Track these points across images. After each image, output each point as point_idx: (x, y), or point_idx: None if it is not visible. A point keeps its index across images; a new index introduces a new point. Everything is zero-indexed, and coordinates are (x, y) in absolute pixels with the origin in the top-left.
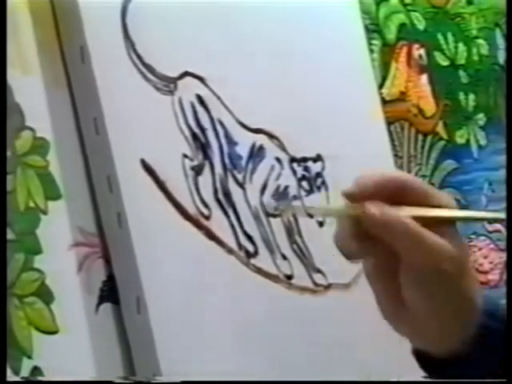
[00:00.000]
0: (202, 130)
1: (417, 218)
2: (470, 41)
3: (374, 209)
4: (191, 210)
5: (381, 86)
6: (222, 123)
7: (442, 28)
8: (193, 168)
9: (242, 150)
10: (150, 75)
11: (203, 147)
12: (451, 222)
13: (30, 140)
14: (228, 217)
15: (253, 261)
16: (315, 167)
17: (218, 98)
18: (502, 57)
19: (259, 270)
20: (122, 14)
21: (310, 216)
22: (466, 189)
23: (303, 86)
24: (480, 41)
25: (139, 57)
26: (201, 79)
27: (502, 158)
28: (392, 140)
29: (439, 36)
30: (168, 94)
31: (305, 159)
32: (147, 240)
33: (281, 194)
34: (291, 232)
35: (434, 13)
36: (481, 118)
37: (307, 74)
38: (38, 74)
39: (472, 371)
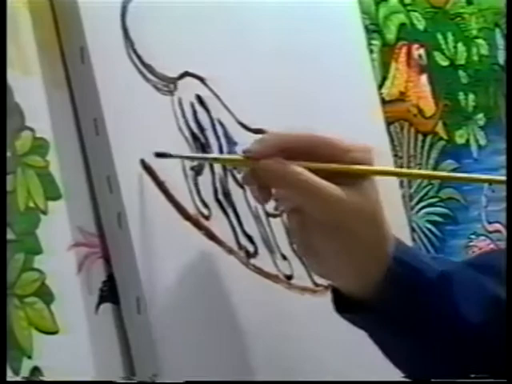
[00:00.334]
0: (202, 130)
1: (317, 172)
2: (470, 41)
3: (267, 162)
4: (191, 210)
5: (380, 86)
6: (221, 123)
7: (441, 28)
8: (192, 168)
9: None
10: (149, 75)
11: (203, 147)
12: (360, 176)
13: (30, 140)
14: (228, 217)
15: (253, 261)
16: None
17: (218, 98)
18: (501, 57)
19: (259, 270)
20: (122, 14)
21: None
22: (466, 189)
23: (303, 85)
24: (480, 41)
25: (139, 57)
26: (201, 79)
27: (502, 158)
28: (392, 140)
29: (439, 36)
30: (168, 94)
31: None
32: (147, 240)
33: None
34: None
35: (434, 13)
36: (480, 118)
37: (307, 73)
38: (37, 75)
39: (382, 316)
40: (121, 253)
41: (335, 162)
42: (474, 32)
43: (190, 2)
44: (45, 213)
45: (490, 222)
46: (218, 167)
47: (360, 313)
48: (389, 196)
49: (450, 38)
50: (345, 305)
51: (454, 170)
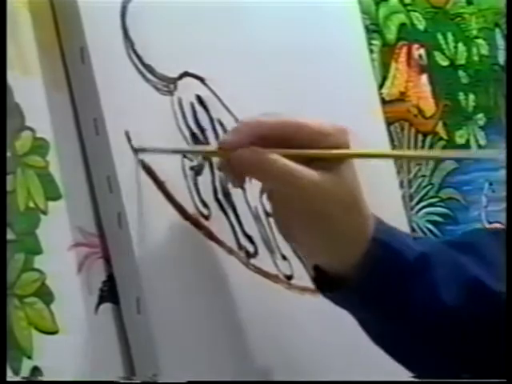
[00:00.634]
0: (202, 130)
1: (293, 158)
2: (470, 41)
3: (241, 153)
4: (191, 210)
5: (381, 86)
6: (221, 123)
7: (441, 28)
8: (192, 168)
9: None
10: (149, 75)
11: None
12: (337, 159)
13: (30, 140)
14: (228, 217)
15: (253, 261)
16: None
17: (218, 98)
18: (502, 57)
19: (259, 270)
20: (122, 14)
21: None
22: (466, 189)
23: (303, 85)
24: (480, 41)
25: (139, 57)
26: (201, 79)
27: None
28: (392, 140)
29: (439, 36)
30: (168, 94)
31: None
32: (147, 240)
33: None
34: None
35: (434, 13)
36: (481, 118)
37: (307, 73)
38: (37, 75)
39: (362, 295)
40: (121, 253)
41: (311, 147)
42: (474, 32)
43: (190, 2)
44: (45, 213)
45: (490, 222)
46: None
47: (339, 290)
48: (389, 196)
49: (450, 38)
50: (326, 283)
51: (454, 170)
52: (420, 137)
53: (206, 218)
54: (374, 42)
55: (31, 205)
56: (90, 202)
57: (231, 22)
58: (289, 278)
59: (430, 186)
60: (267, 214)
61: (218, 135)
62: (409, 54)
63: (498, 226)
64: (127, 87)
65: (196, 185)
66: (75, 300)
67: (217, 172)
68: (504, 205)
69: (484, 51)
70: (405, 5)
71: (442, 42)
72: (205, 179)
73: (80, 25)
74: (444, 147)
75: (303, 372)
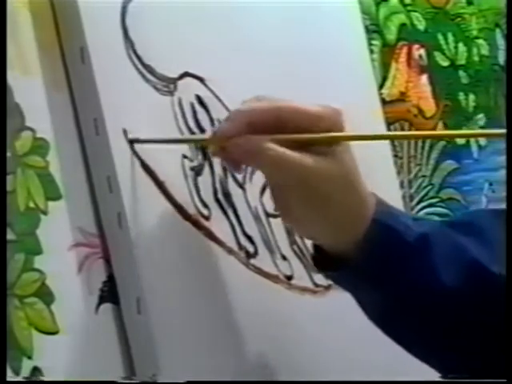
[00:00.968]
0: (202, 130)
1: (289, 143)
2: (470, 41)
3: (235, 141)
4: (191, 210)
5: (381, 87)
6: None
7: (442, 28)
8: (192, 168)
9: None
10: (149, 76)
11: (203, 148)
12: (332, 142)
13: (30, 140)
14: (228, 217)
15: (253, 261)
16: None
17: (218, 98)
18: (502, 57)
19: (259, 271)
20: (122, 14)
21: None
22: (466, 189)
23: (303, 85)
24: (480, 41)
25: (139, 57)
26: (201, 80)
27: (502, 159)
28: (392, 140)
29: (439, 36)
30: (168, 94)
31: None
32: (147, 240)
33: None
34: (291, 232)
35: (434, 13)
36: (481, 118)
37: (307, 74)
38: (37, 75)
39: (361, 275)
40: (121, 253)
41: (306, 131)
42: (475, 32)
43: (190, 2)
44: (45, 213)
45: None
46: (218, 167)
47: (340, 271)
48: (389, 196)
49: (451, 38)
50: (326, 262)
51: (454, 171)
52: None
53: (206, 218)
54: (374, 42)
55: (31, 205)
56: (90, 202)
57: (231, 22)
58: (289, 278)
59: (430, 187)
60: (267, 215)
61: None
62: (409, 54)
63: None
64: (127, 87)
65: (196, 185)
66: (75, 300)
67: (217, 172)
68: (504, 205)
69: (484, 51)
70: (405, 5)
71: (442, 42)
72: (205, 179)
73: (80, 25)
74: (444, 147)
75: (303, 372)
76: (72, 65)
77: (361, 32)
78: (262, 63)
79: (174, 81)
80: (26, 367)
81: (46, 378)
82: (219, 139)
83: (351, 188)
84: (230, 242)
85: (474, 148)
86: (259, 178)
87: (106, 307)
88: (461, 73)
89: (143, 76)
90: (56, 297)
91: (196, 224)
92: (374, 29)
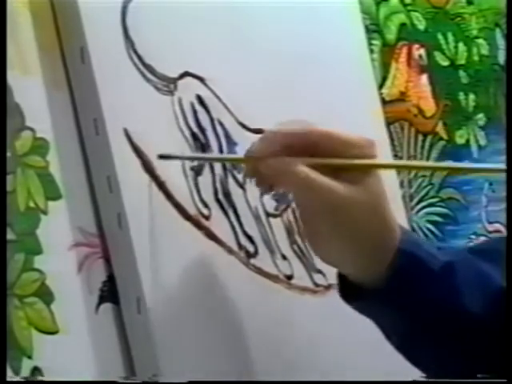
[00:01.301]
0: (202, 130)
1: (320, 167)
2: (470, 41)
3: (268, 162)
4: (191, 210)
5: (381, 86)
6: (221, 123)
7: (442, 28)
8: (193, 168)
9: (242, 151)
10: (150, 75)
11: (203, 147)
12: (363, 170)
13: (30, 140)
14: (228, 217)
15: (253, 261)
16: None
17: (218, 98)
18: (502, 57)
19: (259, 270)
20: (122, 14)
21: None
22: (466, 189)
23: (303, 85)
24: (480, 41)
25: (139, 57)
26: (201, 79)
27: (502, 158)
28: (392, 140)
29: (439, 36)
30: (168, 94)
31: None
32: (147, 240)
33: (281, 195)
34: (291, 232)
35: (434, 13)
36: (481, 118)
37: (307, 74)
38: (37, 75)
39: (387, 304)
40: (121, 253)
41: (338, 157)
42: (475, 32)
43: (190, 2)
44: (45, 213)
45: (490, 222)
46: (218, 167)
47: (365, 300)
48: (389, 196)
49: (451, 38)
50: (351, 292)
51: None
52: (420, 137)
53: (207, 218)
54: (374, 42)
55: (31, 205)
56: (90, 202)
57: (231, 22)
58: (289, 277)
59: (430, 186)
60: (267, 214)
61: (218, 135)
62: (409, 54)
63: (498, 226)
64: (127, 87)
65: (196, 185)
66: (75, 300)
67: (217, 172)
68: (504, 205)
69: (484, 51)
70: (405, 5)
71: (442, 42)
72: (205, 179)
73: (80, 25)
74: (444, 147)
75: (303, 372)
76: (72, 65)
77: (361, 32)
78: (262, 63)
79: (175, 80)
80: (26, 367)
81: (45, 378)
82: (252, 159)
83: (379, 217)
84: (230, 241)
85: (474, 148)
86: None
87: (106, 307)
88: (461, 72)
89: (143, 76)
90: (56, 297)
91: (196, 224)
92: (374, 28)
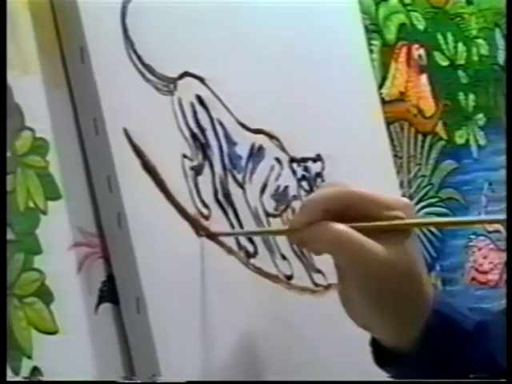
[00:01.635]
0: (202, 130)
1: (362, 228)
2: (470, 41)
3: (310, 231)
4: (191, 210)
5: (380, 86)
6: (221, 123)
7: (441, 28)
8: (192, 168)
9: (242, 151)
10: (149, 75)
11: (203, 147)
12: (401, 233)
13: (30, 140)
14: (228, 217)
15: (252, 261)
16: (315, 167)
17: (218, 98)
18: (501, 57)
19: (259, 270)
20: (122, 14)
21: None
22: (466, 189)
23: (303, 86)
24: (480, 41)
25: (139, 57)
26: (201, 79)
27: (502, 159)
28: (392, 140)
29: (439, 36)
30: (168, 94)
31: (304, 159)
32: (147, 240)
33: (281, 195)
34: None
35: (434, 13)
36: (480, 118)
37: (307, 73)
38: (37, 75)
39: (420, 367)
40: (120, 253)
41: (373, 218)
42: (474, 32)
43: (190, 2)
44: (45, 213)
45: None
46: (218, 167)
47: (399, 364)
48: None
49: (450, 38)
50: (384, 357)
51: (453, 170)
52: (420, 137)
53: (206, 217)
54: (373, 42)
55: (31, 205)
56: (90, 201)
57: (231, 22)
58: (289, 277)
59: (429, 186)
60: (267, 214)
61: (218, 135)
62: (408, 54)
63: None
64: (127, 87)
65: (196, 185)
66: (75, 300)
67: (217, 172)
68: (503, 205)
69: (484, 51)
70: (405, 5)
71: (441, 42)
72: (205, 179)
73: (80, 25)
74: (444, 147)
75: (303, 372)
76: (72, 64)
77: (360, 32)
78: (262, 63)
79: (174, 80)
80: (26, 367)
81: (45, 378)
82: (294, 229)
83: (417, 280)
84: (230, 241)
85: (474, 148)
86: (259, 177)
87: (106, 307)
88: (460, 72)
89: (143, 76)
90: (55, 297)
91: (196, 224)
92: (373, 28)
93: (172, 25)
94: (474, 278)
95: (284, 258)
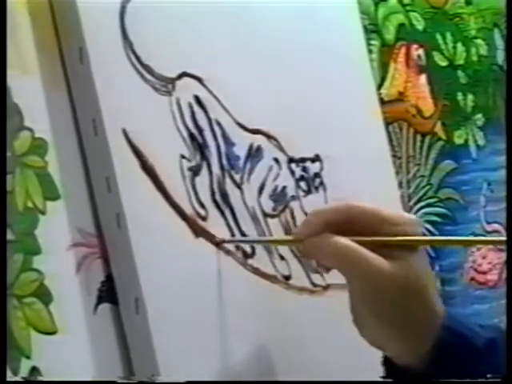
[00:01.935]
0: (200, 130)
1: (363, 244)
2: (469, 41)
3: (312, 240)
4: (188, 210)
5: (379, 87)
6: (219, 124)
7: (440, 28)
8: (190, 169)
9: (240, 151)
10: (148, 76)
11: (201, 148)
12: (407, 248)
13: (29, 140)
14: (225, 217)
15: (250, 261)
16: (313, 167)
17: (216, 98)
18: (500, 57)
19: (257, 271)
20: (121, 14)
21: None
22: (465, 189)
23: (301, 86)
24: (479, 41)
25: (138, 57)
26: (199, 80)
27: (501, 159)
28: (391, 140)
29: (438, 36)
30: (166, 94)
31: (303, 159)
32: (146, 240)
33: (279, 195)
34: (289, 232)
35: (433, 13)
36: (479, 118)
37: (305, 74)
38: (36, 75)
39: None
40: (119, 253)
41: (379, 234)
42: (473, 32)
43: (189, 2)
44: (43, 213)
45: (488, 223)
46: (215, 168)
47: (409, 380)
48: (387, 196)
49: (449, 38)
50: (396, 376)
51: (452, 171)
52: (419, 137)
53: (204, 218)
54: (372, 42)
55: (30, 205)
56: (89, 202)
57: (229, 23)
58: (287, 278)
59: (428, 187)
60: (265, 215)
61: (216, 135)
62: (408, 54)
63: (496, 226)
64: (126, 87)
65: (194, 186)
66: (74, 300)
67: (215, 173)
68: (503, 205)
69: (483, 51)
70: (404, 5)
71: (440, 42)
72: (202, 180)
73: (79, 25)
74: (442, 147)
75: (302, 372)
76: (71, 65)
77: (359, 32)
78: (261, 63)
79: (173, 81)
80: (25, 367)
81: (44, 378)
82: (298, 239)
83: (424, 296)
84: None
85: (473, 148)
86: (257, 178)
87: (105, 307)
88: (459, 73)
89: (142, 76)
90: (54, 297)
91: (193, 224)
92: (372, 29)
93: (170, 25)
94: (472, 278)
95: (282, 258)
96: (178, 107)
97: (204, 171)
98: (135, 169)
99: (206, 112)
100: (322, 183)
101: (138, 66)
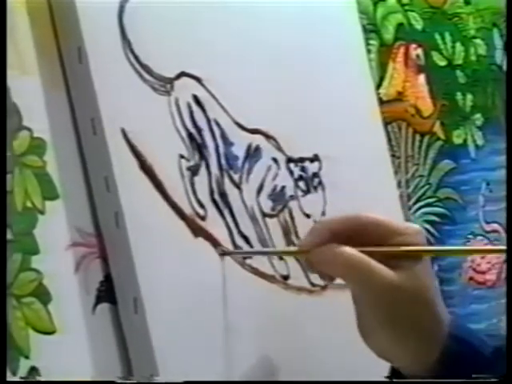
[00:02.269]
0: (199, 130)
1: (369, 254)
2: (468, 41)
3: (317, 251)
4: (187, 210)
5: (378, 86)
6: (218, 123)
7: (439, 28)
8: (189, 168)
9: (239, 151)
10: (146, 75)
11: (199, 147)
12: (412, 258)
13: (28, 140)
14: (224, 217)
15: (248, 261)
16: (312, 167)
17: (215, 98)
18: (499, 57)
19: (255, 271)
20: (120, 14)
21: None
22: (464, 189)
23: (300, 85)
24: (478, 41)
25: (136, 57)
26: (197, 79)
27: (500, 159)
28: (389, 140)
29: (437, 36)
30: (165, 94)
31: (302, 159)
32: (144, 240)
33: (277, 195)
34: (288, 232)
35: (432, 13)
36: (478, 118)
37: (304, 73)
38: (35, 75)
39: None
40: (118, 253)
41: (384, 244)
42: (472, 32)
43: (188, 2)
44: (42, 213)
45: (487, 222)
46: (214, 167)
47: None
48: (386, 196)
49: (448, 37)
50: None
51: (451, 170)
52: (417, 137)
53: (202, 218)
54: (371, 41)
55: (29, 204)
56: (88, 201)
57: (228, 23)
58: (285, 278)
59: (427, 186)
60: (264, 215)
61: (215, 135)
62: (406, 53)
63: (495, 226)
64: (124, 87)
65: (193, 185)
66: (72, 300)
67: (213, 172)
68: (501, 205)
69: (482, 51)
70: (402, 5)
71: (439, 41)
72: (201, 179)
73: (77, 25)
74: (441, 147)
75: (301, 372)
76: (69, 64)
77: (358, 32)
78: (259, 63)
79: (171, 80)
80: (24, 367)
81: (43, 378)
82: (304, 250)
83: (430, 306)
84: (226, 242)
85: (472, 148)
86: (255, 177)
87: (103, 307)
88: (458, 72)
89: (140, 76)
90: (53, 297)
91: (192, 224)
92: (371, 28)
93: (169, 25)
94: (471, 278)
95: (281, 258)
96: (176, 107)
97: (203, 171)
98: (134, 168)
99: (204, 112)
100: (320, 183)
101: (137, 66)
